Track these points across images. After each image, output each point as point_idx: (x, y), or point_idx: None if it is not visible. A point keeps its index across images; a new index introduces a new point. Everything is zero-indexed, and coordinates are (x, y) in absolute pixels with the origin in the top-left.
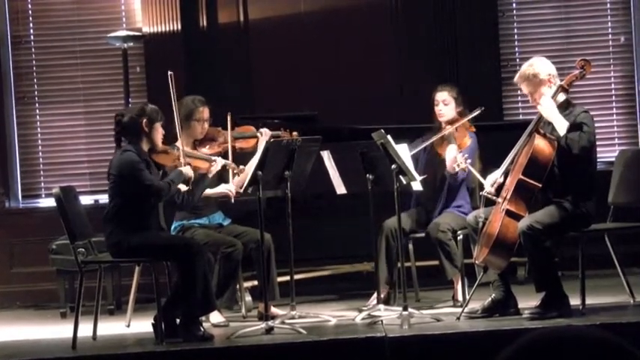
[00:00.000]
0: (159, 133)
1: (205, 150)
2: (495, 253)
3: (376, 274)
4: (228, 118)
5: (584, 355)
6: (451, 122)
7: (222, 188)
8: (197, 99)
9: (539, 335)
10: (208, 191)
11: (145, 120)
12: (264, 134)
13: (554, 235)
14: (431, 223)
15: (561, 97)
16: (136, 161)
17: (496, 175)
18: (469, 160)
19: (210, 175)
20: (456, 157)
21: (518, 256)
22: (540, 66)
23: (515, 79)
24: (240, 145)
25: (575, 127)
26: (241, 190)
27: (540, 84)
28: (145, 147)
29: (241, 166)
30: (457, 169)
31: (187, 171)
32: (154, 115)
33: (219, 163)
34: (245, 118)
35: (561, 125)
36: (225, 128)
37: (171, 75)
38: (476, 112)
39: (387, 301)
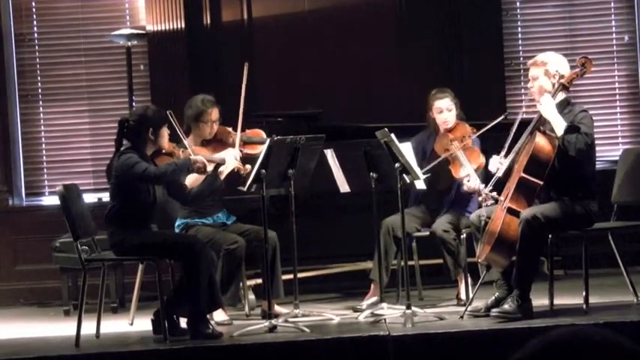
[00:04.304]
0: (165, 137)
1: (212, 152)
2: (497, 251)
3: (373, 273)
4: (239, 121)
5: (598, 357)
6: (452, 129)
7: (230, 165)
8: (207, 99)
9: (553, 337)
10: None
11: (150, 129)
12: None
13: (554, 231)
14: (435, 222)
15: (561, 95)
16: (131, 156)
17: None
18: (493, 193)
19: (222, 177)
20: (479, 191)
21: None
22: (553, 58)
23: (529, 62)
24: (247, 150)
25: (573, 127)
26: (245, 189)
27: (544, 73)
28: (149, 151)
29: (247, 166)
30: (480, 200)
31: (197, 159)
32: (159, 120)
33: (230, 164)
34: (248, 117)
35: (559, 125)
36: (236, 129)
37: (246, 65)
38: (498, 120)
39: (380, 300)
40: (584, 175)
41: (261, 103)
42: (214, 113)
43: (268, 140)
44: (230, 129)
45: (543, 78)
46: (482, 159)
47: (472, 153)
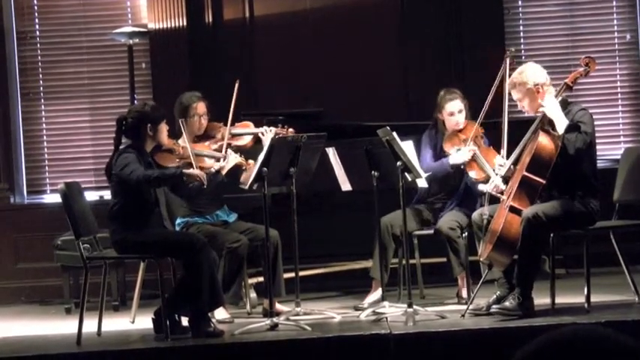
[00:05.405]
0: (164, 133)
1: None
2: (498, 250)
3: (373, 272)
4: (236, 86)
5: (599, 356)
6: (461, 129)
7: (231, 161)
8: (193, 94)
9: (554, 336)
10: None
11: (148, 125)
12: (268, 132)
13: (555, 229)
14: (440, 220)
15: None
16: (126, 157)
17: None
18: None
19: (224, 172)
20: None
21: None
22: (529, 74)
23: (506, 85)
24: (236, 143)
25: (573, 126)
26: (247, 187)
27: (527, 93)
28: (149, 147)
29: (250, 161)
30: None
31: (193, 173)
32: (157, 116)
33: (231, 160)
34: (249, 115)
35: (561, 123)
36: (227, 124)
37: (238, 82)
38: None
39: (382, 299)
40: (585, 174)
41: (262, 101)
42: (200, 107)
43: (260, 133)
44: (221, 124)
45: (528, 97)
46: (494, 157)
47: (488, 153)
